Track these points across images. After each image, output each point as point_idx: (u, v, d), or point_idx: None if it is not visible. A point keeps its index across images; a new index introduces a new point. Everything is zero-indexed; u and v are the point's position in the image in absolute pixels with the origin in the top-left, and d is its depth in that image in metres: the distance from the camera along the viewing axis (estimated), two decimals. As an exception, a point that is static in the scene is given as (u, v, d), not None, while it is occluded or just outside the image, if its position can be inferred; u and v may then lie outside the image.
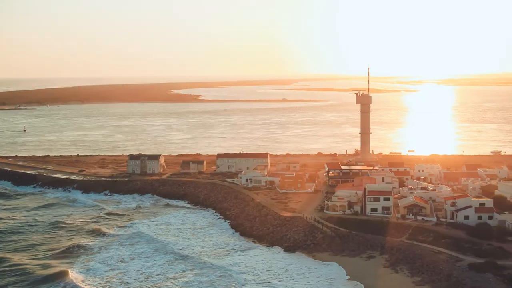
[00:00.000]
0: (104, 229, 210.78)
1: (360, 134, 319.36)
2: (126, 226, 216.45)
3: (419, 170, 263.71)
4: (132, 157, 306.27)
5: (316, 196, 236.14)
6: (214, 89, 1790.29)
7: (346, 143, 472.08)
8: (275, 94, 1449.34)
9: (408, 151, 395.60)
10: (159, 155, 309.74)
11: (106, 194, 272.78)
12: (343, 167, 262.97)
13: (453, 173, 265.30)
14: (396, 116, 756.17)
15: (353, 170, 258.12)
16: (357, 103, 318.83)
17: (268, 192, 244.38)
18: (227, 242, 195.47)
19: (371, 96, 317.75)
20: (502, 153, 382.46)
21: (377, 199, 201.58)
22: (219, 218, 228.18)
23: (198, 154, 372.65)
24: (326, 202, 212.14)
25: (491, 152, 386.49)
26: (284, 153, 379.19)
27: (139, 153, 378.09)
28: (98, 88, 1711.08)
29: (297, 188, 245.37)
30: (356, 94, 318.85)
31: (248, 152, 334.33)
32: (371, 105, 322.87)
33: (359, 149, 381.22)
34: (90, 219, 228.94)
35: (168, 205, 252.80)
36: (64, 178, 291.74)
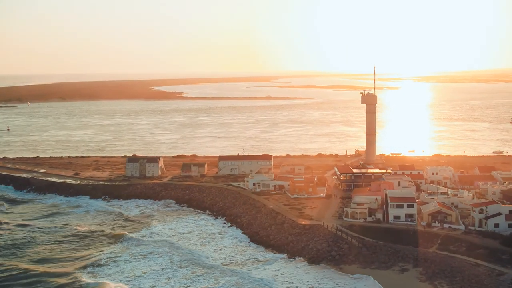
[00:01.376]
0: (126, 235, 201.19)
1: (365, 135, 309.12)
2: (141, 233, 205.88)
3: (432, 173, 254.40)
4: (130, 159, 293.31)
5: (329, 201, 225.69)
6: (196, 86, 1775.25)
7: (341, 143, 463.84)
8: (258, 91, 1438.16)
9: (408, 151, 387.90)
10: (159, 157, 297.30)
11: (105, 199, 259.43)
12: (354, 170, 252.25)
13: (468, 176, 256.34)
14: (386, 115, 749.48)
15: (366, 174, 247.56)
16: (362, 102, 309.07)
17: (279, 197, 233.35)
18: (243, 252, 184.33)
19: (376, 96, 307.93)
20: (505, 153, 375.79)
21: (400, 206, 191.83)
22: (230, 225, 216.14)
23: (194, 155, 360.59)
24: (345, 209, 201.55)
25: (493, 153, 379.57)
26: (284, 154, 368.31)
27: (133, 154, 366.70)
28: (78, 85, 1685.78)
29: (309, 192, 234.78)
30: (362, 93, 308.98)
31: (250, 154, 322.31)
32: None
33: (359, 149, 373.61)
34: (107, 226, 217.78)
35: (174, 211, 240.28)
36: (59, 182, 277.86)
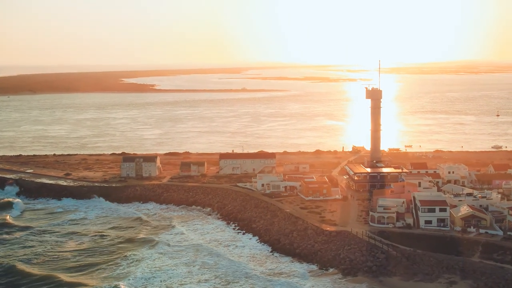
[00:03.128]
0: (155, 242, 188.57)
1: (370, 131, 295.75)
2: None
3: (449, 172, 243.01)
4: (125, 158, 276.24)
5: (347, 204, 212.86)
6: (167, 78, 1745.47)
7: (332, 138, 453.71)
8: (231, 83, 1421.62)
9: (405, 146, 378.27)
10: (156, 156, 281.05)
11: (102, 202, 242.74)
12: (368, 170, 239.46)
13: (486, 174, 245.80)
14: (364, 107, 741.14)
15: (381, 174, 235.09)
16: (366, 97, 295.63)
17: (293, 200, 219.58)
18: (267, 262, 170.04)
19: (382, 90, 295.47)
20: (504, 148, 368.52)
21: (432, 210, 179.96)
22: (243, 231, 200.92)
23: (187, 153, 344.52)
24: (371, 213, 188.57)
25: (492, 147, 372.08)
26: (281, 151, 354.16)
27: (123, 152, 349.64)
28: (48, 77, 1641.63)
29: (323, 194, 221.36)
30: (366, 88, 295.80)
31: (250, 152, 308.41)
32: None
33: (356, 145, 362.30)
34: (129, 231, 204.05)
35: (179, 215, 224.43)
36: (51, 184, 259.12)
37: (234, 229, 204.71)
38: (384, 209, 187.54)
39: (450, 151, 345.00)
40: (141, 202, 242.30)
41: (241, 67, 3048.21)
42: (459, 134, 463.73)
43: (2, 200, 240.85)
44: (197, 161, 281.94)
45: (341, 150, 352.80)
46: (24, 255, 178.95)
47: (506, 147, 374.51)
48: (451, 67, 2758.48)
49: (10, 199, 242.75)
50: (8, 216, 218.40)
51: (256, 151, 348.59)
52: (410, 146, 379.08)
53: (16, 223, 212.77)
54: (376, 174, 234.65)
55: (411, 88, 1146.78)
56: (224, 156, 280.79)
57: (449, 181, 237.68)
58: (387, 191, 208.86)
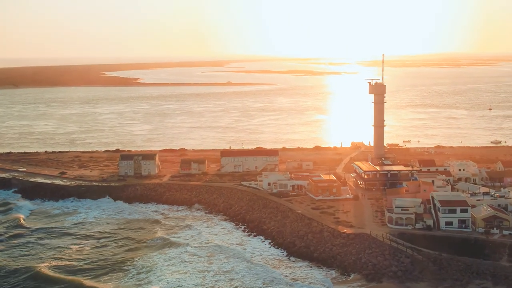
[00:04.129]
0: (171, 243, 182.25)
1: (373, 127, 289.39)
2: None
3: (459, 170, 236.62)
4: (123, 156, 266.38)
5: (359, 203, 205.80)
6: (150, 72, 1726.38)
7: (326, 133, 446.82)
8: (216, 76, 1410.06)
9: (404, 141, 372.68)
10: (155, 154, 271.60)
11: (102, 202, 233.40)
12: (378, 168, 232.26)
13: (497, 171, 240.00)
14: (360, 102, 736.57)
15: (392, 172, 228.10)
16: (369, 93, 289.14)
17: (302, 199, 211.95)
18: (282, 267, 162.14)
19: (385, 85, 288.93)
20: (503, 143, 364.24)
21: (453, 211, 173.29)
22: (254, 234, 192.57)
23: (183, 149, 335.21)
24: (388, 213, 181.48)
25: (491, 143, 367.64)
26: (277, 147, 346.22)
27: (117, 149, 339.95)
28: (29, 70, 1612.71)
29: (333, 193, 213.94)
30: (369, 83, 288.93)
31: (249, 148, 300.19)
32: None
33: (355, 141, 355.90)
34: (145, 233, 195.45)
35: (183, 216, 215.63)
36: (47, 183, 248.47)
37: (244, 231, 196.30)
38: (402, 209, 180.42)
39: (451, 147, 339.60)
40: (142, 202, 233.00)
41: (223, 60, 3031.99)
42: (454, 128, 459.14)
43: (8, 202, 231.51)
44: (197, 159, 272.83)
45: (339, 145, 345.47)
46: (45, 258, 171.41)
47: (505, 142, 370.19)
48: (433, 60, 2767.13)
49: (15, 201, 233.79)
50: (22, 218, 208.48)
51: (252, 147, 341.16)
52: (409, 141, 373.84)
53: (28, 225, 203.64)
54: (386, 172, 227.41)
55: (396, 82, 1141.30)
56: (225, 153, 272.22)
57: (459, 179, 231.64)
58: (401, 190, 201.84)
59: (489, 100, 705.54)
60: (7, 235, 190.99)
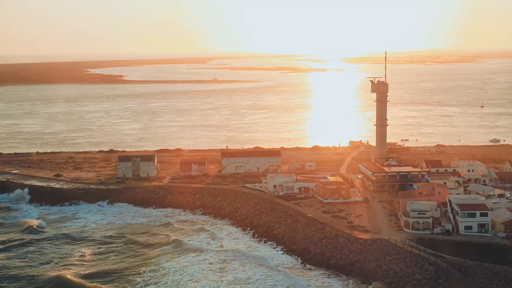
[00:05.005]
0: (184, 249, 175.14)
1: (375, 126, 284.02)
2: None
3: (468, 170, 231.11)
4: (121, 158, 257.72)
5: (371, 206, 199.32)
6: (134, 69, 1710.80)
7: (321, 131, 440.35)
8: (201, 73, 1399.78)
9: (402, 140, 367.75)
10: (153, 155, 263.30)
11: (101, 206, 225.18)
12: (386, 169, 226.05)
13: (506, 172, 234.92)
14: (350, 99, 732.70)
15: (401, 173, 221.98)
16: (372, 91, 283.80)
17: (311, 203, 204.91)
18: (298, 275, 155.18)
19: (388, 84, 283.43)
20: (502, 142, 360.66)
21: (473, 215, 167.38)
22: (264, 239, 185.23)
23: (179, 149, 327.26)
24: (404, 218, 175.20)
25: (490, 141, 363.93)
26: (273, 146, 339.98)
27: (110, 149, 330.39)
28: (9, 68, 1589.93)
29: (342, 196, 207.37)
30: (371, 81, 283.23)
31: (248, 148, 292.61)
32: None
33: (353, 140, 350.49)
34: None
35: (189, 221, 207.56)
36: (42, 186, 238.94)
37: (253, 236, 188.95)
38: (418, 213, 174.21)
39: (452, 146, 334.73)
40: (143, 206, 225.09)
41: (206, 57, 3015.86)
42: (449, 126, 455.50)
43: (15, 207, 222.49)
44: (197, 160, 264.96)
45: (337, 145, 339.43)
46: (51, 266, 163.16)
47: (504, 140, 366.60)
48: (416, 56, 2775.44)
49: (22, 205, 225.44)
50: (35, 224, 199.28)
51: (249, 147, 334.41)
52: (407, 140, 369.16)
53: (42, 230, 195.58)
54: (395, 173, 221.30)
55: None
56: (226, 154, 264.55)
57: (469, 180, 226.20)
58: (414, 193, 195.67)
59: (479, 97, 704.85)
60: (18, 242, 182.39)
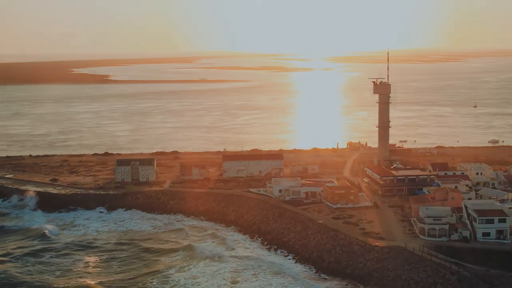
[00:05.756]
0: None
1: (377, 128, 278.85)
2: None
3: (477, 174, 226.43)
4: (120, 162, 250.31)
5: (381, 212, 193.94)
6: (120, 68, 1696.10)
7: (318, 133, 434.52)
8: (188, 73, 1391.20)
9: (400, 141, 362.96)
10: (153, 159, 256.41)
11: (101, 212, 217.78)
12: (394, 173, 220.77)
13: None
14: (341, 98, 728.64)
15: (409, 177, 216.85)
16: (374, 92, 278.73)
17: (319, 208, 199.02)
18: (314, 285, 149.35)
19: (390, 85, 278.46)
20: (501, 143, 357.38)
21: (491, 221, 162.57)
22: (274, 247, 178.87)
23: (176, 152, 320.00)
24: (419, 224, 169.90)
25: (489, 142, 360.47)
26: (270, 148, 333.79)
27: (106, 152, 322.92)
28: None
29: (351, 201, 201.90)
30: (374, 82, 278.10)
31: (246, 150, 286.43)
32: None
33: (351, 141, 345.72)
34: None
35: (194, 228, 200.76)
36: (40, 192, 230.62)
37: (262, 244, 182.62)
38: (434, 219, 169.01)
39: (452, 147, 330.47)
40: (145, 212, 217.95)
41: (192, 57, 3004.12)
42: (445, 127, 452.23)
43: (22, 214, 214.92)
44: (198, 163, 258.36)
45: (336, 146, 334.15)
46: (71, 276, 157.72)
47: (503, 141, 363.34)
48: (402, 55, 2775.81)
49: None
50: (46, 232, 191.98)
51: (247, 149, 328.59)
52: (405, 141, 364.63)
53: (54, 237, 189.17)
54: (404, 177, 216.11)
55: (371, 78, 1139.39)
56: (227, 157, 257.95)
57: (477, 184, 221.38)
58: (426, 198, 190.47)
59: (471, 97, 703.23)
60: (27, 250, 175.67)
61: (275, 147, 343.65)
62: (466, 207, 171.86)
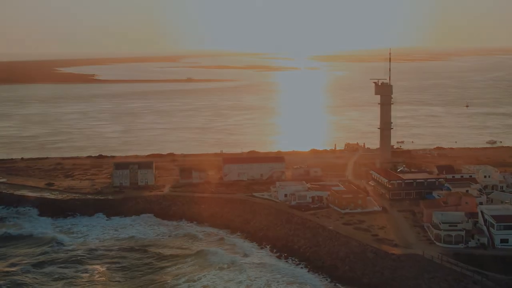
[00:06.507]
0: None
1: (379, 129, 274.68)
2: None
3: (485, 176, 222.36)
4: (118, 165, 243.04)
5: (391, 217, 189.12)
6: (105, 67, 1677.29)
7: (313, 134, 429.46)
8: (174, 72, 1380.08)
9: (397, 142, 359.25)
10: (152, 162, 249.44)
11: (101, 218, 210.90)
12: (403, 177, 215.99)
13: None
14: (331, 97, 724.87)
15: (418, 180, 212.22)
16: (376, 93, 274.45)
17: (328, 213, 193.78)
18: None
19: (392, 85, 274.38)
20: (498, 144, 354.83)
21: (509, 227, 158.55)
22: (284, 254, 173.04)
23: (172, 154, 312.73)
24: (435, 230, 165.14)
25: (487, 143, 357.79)
26: (267, 150, 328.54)
27: (100, 154, 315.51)
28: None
29: (359, 205, 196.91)
30: (375, 83, 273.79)
31: (245, 152, 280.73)
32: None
33: (350, 142, 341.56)
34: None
35: (199, 234, 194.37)
36: (37, 197, 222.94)
37: (271, 251, 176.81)
38: (449, 225, 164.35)
39: (451, 148, 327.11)
40: (147, 218, 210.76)
41: (176, 56, 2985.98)
42: (439, 127, 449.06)
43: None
44: (197, 167, 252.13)
45: (334, 147, 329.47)
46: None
47: (501, 142, 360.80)
48: (385, 54, 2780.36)
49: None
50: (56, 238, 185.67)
51: (245, 151, 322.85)
52: (403, 142, 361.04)
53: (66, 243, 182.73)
54: (412, 181, 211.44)
55: (357, 77, 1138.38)
56: (228, 160, 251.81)
57: (485, 187, 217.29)
58: (439, 202, 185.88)
59: (461, 96, 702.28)
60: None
61: (272, 148, 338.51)
62: (482, 212, 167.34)
